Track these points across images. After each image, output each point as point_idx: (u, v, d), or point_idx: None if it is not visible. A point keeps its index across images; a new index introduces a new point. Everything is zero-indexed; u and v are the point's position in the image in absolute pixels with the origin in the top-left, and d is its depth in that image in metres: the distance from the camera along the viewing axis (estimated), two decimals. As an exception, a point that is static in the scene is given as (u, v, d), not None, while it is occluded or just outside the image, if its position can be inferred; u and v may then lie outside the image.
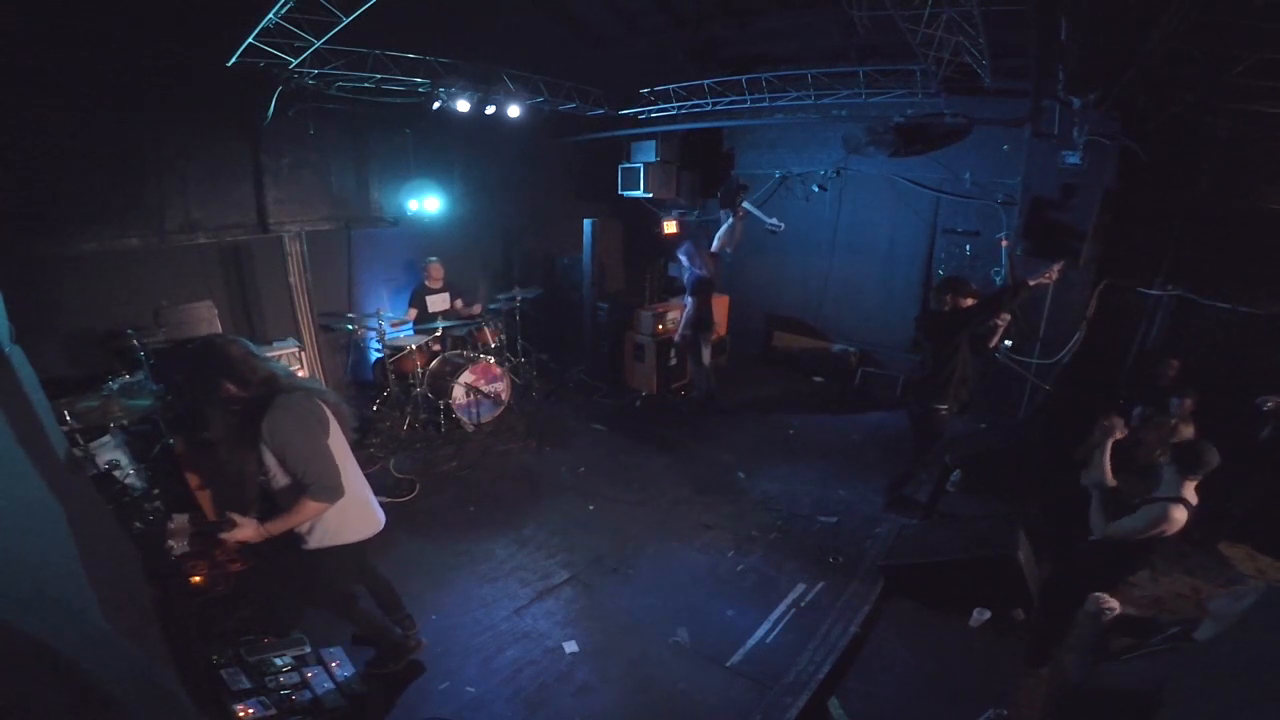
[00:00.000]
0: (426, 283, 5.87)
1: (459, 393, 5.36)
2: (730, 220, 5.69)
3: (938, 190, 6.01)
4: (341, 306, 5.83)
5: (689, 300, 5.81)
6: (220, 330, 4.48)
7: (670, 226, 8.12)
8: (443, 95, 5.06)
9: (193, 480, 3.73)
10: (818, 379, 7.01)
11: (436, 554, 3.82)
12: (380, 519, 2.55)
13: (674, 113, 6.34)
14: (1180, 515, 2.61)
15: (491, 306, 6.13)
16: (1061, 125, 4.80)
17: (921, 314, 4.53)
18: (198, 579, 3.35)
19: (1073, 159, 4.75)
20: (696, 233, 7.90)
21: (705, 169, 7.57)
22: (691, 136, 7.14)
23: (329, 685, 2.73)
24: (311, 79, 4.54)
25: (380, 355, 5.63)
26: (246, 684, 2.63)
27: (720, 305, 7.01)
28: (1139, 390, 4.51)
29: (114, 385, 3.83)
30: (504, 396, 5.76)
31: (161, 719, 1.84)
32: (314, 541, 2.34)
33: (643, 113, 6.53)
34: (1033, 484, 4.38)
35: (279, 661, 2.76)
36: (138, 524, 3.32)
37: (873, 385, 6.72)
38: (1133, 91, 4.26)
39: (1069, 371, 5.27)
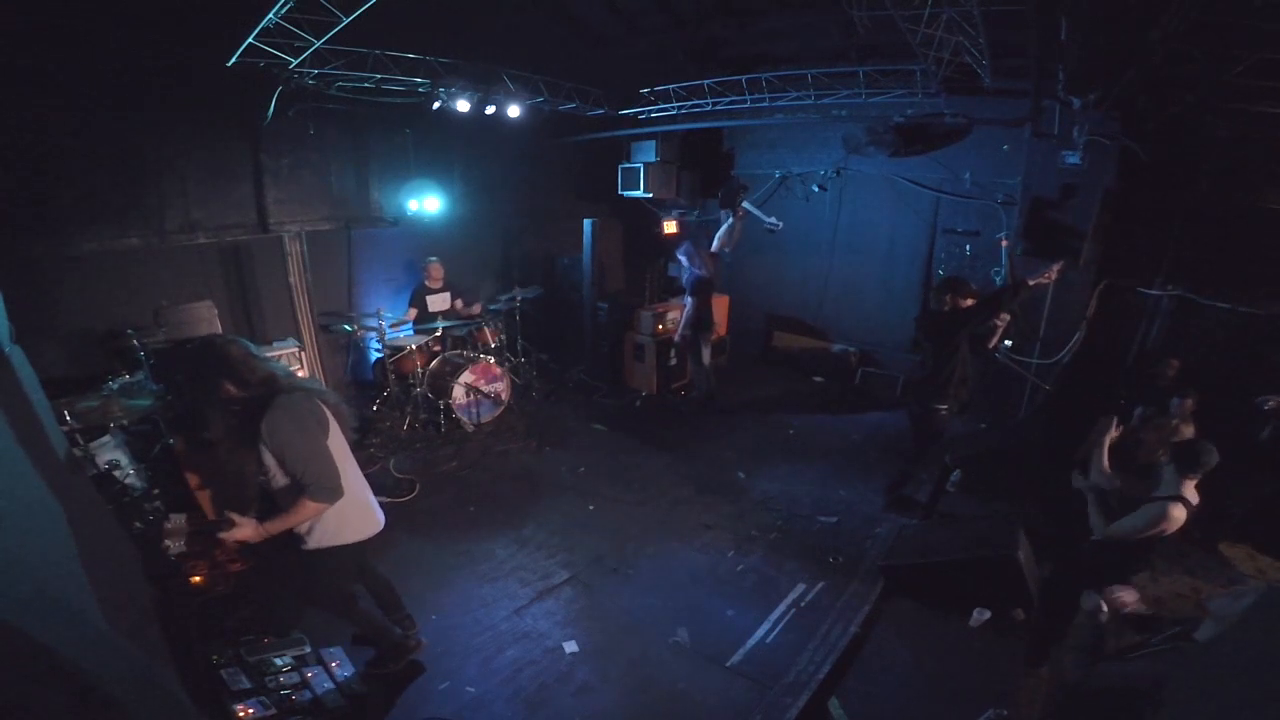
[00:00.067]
0: (426, 283, 5.88)
1: (459, 393, 5.36)
2: (730, 220, 5.69)
3: (938, 190, 6.01)
4: (341, 306, 5.83)
5: (689, 300, 5.81)
6: (220, 330, 4.48)
7: (670, 226, 8.12)
8: (443, 95, 5.06)
9: (192, 480, 3.74)
10: (818, 379, 7.01)
11: (436, 554, 3.82)
12: (380, 519, 2.55)
13: (674, 113, 6.34)
14: (1180, 514, 2.62)
15: (491, 306, 6.13)
16: (1061, 125, 4.80)
17: (921, 314, 4.52)
18: (198, 579, 3.35)
19: (1073, 159, 4.75)
20: (696, 233, 7.90)
21: (705, 169, 7.58)
22: (691, 136, 7.14)
23: (329, 685, 2.73)
24: (311, 79, 4.54)
25: (380, 355, 5.63)
26: (246, 684, 2.63)
27: (720, 305, 7.00)
28: (1139, 390, 4.50)
29: (114, 385, 3.84)
30: (504, 396, 5.76)
31: (161, 719, 1.84)
32: (313, 542, 2.34)
33: (643, 113, 6.53)
34: (1033, 484, 4.38)
35: (279, 661, 2.76)
36: (138, 524, 3.32)
37: (873, 385, 6.72)
38: (1133, 91, 4.25)
39: (1069, 371, 5.26)
